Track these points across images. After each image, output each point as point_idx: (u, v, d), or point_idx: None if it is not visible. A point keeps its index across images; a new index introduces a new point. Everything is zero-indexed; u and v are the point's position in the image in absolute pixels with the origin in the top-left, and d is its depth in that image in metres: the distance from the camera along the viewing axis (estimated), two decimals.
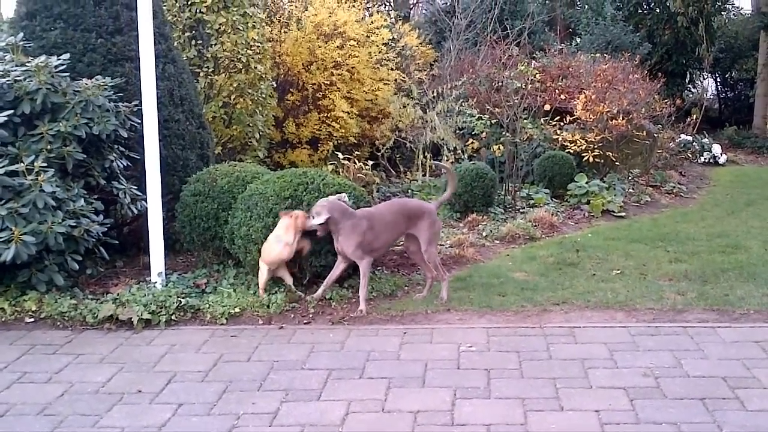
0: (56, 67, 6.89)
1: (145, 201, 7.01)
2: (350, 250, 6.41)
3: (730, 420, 4.39)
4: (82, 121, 6.74)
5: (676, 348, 5.53)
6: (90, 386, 5.03)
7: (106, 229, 6.89)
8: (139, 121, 7.05)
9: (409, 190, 11.65)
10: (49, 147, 6.56)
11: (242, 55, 9.65)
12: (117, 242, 7.31)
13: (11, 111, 6.51)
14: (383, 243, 6.65)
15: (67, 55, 7.09)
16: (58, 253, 6.50)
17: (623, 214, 10.97)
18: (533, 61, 14.81)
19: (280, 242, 6.42)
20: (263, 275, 6.60)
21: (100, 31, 7.67)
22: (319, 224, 6.32)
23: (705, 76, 23.88)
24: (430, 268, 6.85)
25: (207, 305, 6.42)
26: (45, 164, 6.41)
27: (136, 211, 7.26)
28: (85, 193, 6.78)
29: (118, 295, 6.49)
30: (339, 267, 6.61)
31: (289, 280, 6.73)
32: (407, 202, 7.22)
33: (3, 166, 6.21)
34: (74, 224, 6.45)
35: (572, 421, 4.43)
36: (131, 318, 6.09)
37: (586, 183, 11.54)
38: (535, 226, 9.63)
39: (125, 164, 7.30)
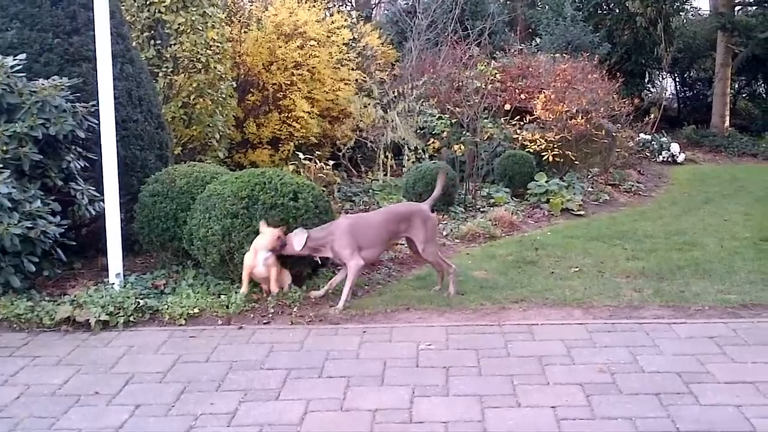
0: (12, 67, 6.82)
1: (103, 202, 6.96)
2: (339, 249, 6.53)
3: (684, 414, 4.45)
4: (39, 121, 6.68)
5: (632, 344, 5.59)
6: (46, 388, 4.98)
7: (63, 230, 6.82)
8: (97, 122, 6.98)
9: (370, 190, 11.67)
10: (4, 148, 6.51)
11: (202, 55, 9.60)
12: (75, 243, 7.23)
13: None
14: (370, 242, 6.69)
15: (23, 55, 7.03)
16: (14, 254, 6.43)
17: (582, 212, 11.09)
18: (493, 61, 14.89)
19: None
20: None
21: (57, 31, 7.59)
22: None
23: (664, 76, 24.16)
24: (434, 265, 6.98)
25: (165, 306, 6.38)
26: (1, 165, 6.36)
27: (94, 212, 7.17)
28: (41, 194, 6.71)
29: (75, 296, 6.44)
30: (342, 272, 6.74)
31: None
32: (396, 206, 7.32)
33: None
34: (31, 225, 6.39)
35: (529, 417, 4.47)
36: (89, 320, 6.04)
37: (546, 182, 11.64)
38: (495, 224, 9.70)
39: (83, 165, 7.23)
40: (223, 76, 10.09)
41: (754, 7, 22.97)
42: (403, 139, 12.31)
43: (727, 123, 21.57)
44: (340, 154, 12.57)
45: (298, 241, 6.44)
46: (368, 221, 6.79)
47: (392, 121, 12.44)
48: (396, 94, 13.22)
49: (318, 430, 4.37)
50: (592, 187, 12.70)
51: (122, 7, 9.00)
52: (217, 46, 9.97)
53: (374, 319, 6.30)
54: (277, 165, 11.11)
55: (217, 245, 6.62)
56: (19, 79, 6.81)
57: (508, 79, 14.34)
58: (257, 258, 6.43)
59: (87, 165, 7.28)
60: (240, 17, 12.04)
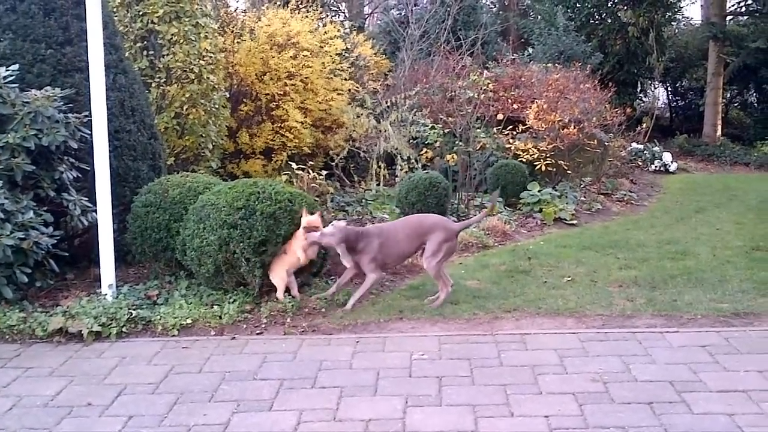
0: (5, 77, 6.83)
1: (96, 212, 6.95)
2: (365, 263, 6.73)
3: (676, 423, 4.47)
4: (31, 132, 6.68)
5: (624, 353, 5.61)
6: (39, 399, 4.98)
7: (56, 241, 6.80)
8: (90, 132, 6.98)
9: (364, 200, 11.67)
10: None
11: (195, 65, 9.59)
12: (67, 254, 7.22)
13: None
14: (391, 259, 7.00)
15: (15, 66, 7.03)
16: (6, 265, 6.42)
17: (575, 221, 11.09)
18: (486, 71, 14.92)
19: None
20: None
21: (50, 41, 7.60)
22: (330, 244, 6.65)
23: (656, 86, 24.23)
24: (433, 278, 7.00)
25: (158, 317, 6.37)
26: None
27: (86, 223, 7.17)
28: (34, 205, 6.71)
29: (68, 307, 6.43)
30: (350, 271, 6.87)
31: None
32: (424, 218, 7.32)
33: None
34: (23, 236, 6.38)
35: (522, 426, 4.47)
36: (81, 330, 6.03)
37: (539, 191, 11.64)
38: (488, 234, 9.70)
39: (75, 175, 7.22)
40: (216, 86, 10.08)
41: (746, 17, 23.08)
42: (396, 149, 12.31)
43: (719, 132, 21.66)
44: (333, 164, 12.56)
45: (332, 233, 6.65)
46: (396, 240, 6.90)
47: (385, 131, 12.44)
48: (389, 104, 13.24)
49: None
50: (584, 197, 12.71)
51: (115, 18, 9.01)
52: (210, 57, 9.96)
53: (367, 329, 6.31)
54: (270, 175, 11.10)
55: (213, 255, 6.61)
56: (11, 90, 6.81)
57: (501, 89, 14.35)
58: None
59: (80, 175, 7.28)
60: (233, 28, 12.05)
